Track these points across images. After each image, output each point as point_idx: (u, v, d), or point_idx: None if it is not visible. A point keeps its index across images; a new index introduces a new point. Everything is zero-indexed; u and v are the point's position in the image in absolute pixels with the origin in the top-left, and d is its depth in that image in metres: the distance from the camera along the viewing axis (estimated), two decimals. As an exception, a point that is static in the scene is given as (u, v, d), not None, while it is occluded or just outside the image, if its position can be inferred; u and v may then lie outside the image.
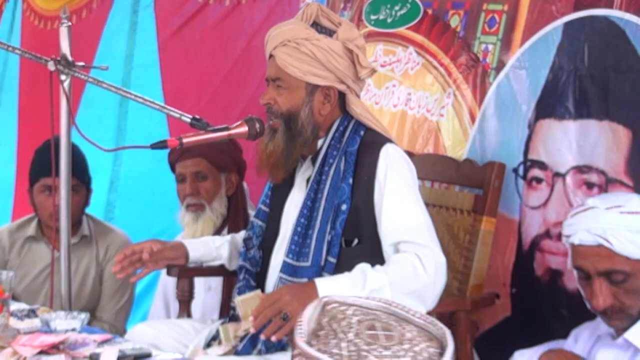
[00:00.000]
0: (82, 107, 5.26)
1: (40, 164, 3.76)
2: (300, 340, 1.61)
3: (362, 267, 2.57)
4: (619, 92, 2.95)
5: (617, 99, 2.96)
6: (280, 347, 2.61)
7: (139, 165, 4.91)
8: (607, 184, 2.96)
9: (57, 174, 3.04)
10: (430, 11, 3.64)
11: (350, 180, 2.70)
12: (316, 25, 2.80)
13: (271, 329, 2.46)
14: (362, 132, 2.78)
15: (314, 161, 2.80)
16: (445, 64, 3.52)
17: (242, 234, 3.03)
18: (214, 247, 3.00)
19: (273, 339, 2.46)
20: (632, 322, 2.42)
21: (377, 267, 2.58)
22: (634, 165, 2.89)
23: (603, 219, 2.44)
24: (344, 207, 2.68)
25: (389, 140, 2.78)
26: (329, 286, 2.51)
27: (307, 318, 1.66)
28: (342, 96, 2.81)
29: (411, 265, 2.56)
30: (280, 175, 2.80)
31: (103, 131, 4.97)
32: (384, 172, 2.69)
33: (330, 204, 2.69)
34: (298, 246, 2.69)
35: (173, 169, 3.72)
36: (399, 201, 2.67)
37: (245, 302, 2.65)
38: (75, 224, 3.77)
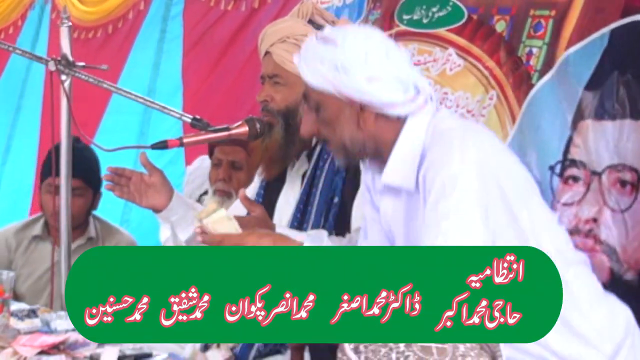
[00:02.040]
0: (108, 114, 5.38)
1: (49, 163, 3.82)
2: (348, 348, 1.60)
3: (320, 234, 2.60)
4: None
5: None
6: (276, 350, 2.64)
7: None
8: (639, 182, 3.04)
9: (57, 174, 3.07)
10: (475, 16, 3.73)
11: (344, 174, 2.75)
12: (311, 23, 2.83)
13: None
14: None
15: (309, 157, 2.84)
16: (490, 67, 3.63)
17: None
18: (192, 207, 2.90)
19: None
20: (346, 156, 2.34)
21: (333, 237, 2.64)
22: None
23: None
24: (335, 199, 2.74)
25: None
26: None
27: None
28: None
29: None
30: (276, 170, 2.86)
31: (127, 136, 5.10)
32: None
33: (324, 198, 2.75)
34: None
35: (211, 154, 3.75)
36: None
37: (216, 222, 2.45)
38: (81, 226, 3.82)
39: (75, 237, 3.53)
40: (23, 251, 3.93)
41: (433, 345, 1.62)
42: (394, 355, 1.58)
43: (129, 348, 2.47)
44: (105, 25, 5.79)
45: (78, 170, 3.61)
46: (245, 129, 2.74)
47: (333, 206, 2.75)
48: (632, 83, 3.10)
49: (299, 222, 2.78)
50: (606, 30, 3.21)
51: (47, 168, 3.86)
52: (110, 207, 4.12)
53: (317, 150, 2.83)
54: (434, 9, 3.87)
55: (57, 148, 3.86)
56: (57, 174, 3.06)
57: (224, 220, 2.42)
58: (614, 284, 2.77)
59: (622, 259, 3.05)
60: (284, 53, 2.78)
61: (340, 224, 2.75)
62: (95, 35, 5.82)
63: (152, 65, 5.36)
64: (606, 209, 3.10)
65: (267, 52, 2.84)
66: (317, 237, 2.60)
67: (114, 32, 5.72)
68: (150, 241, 4.10)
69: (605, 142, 3.14)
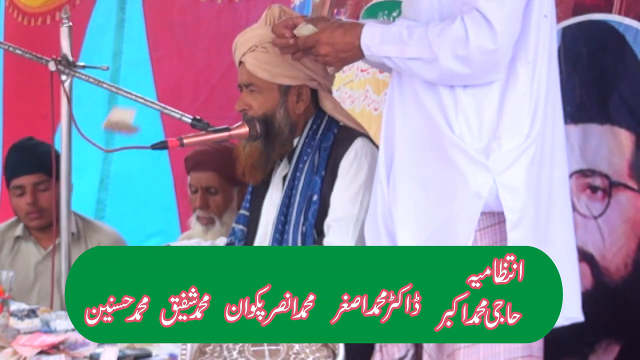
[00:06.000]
0: (67, 106, 5.36)
1: (11, 165, 3.95)
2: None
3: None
4: (619, 96, 3.06)
5: (617, 103, 3.07)
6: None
7: (131, 163, 5.03)
8: (610, 188, 3.07)
9: (58, 177, 3.16)
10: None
11: (323, 173, 2.90)
12: None
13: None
14: (335, 130, 2.98)
15: (290, 160, 2.99)
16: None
17: None
18: None
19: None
20: None
21: None
22: (638, 168, 3.00)
23: None
24: (314, 197, 2.89)
25: (362, 135, 2.97)
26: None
27: None
28: (314, 93, 3.00)
29: None
30: (259, 175, 3.00)
31: (92, 129, 5.06)
32: (348, 163, 2.88)
33: (304, 197, 2.90)
34: (277, 242, 2.90)
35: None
36: (344, 189, 2.86)
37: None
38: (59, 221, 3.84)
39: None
40: (8, 252, 3.99)
41: (266, 347, 1.74)
42: None
43: (129, 348, 2.55)
44: (52, 11, 5.77)
45: (36, 166, 3.75)
46: (245, 129, 2.87)
47: (312, 204, 2.90)
48: (591, 86, 3.14)
49: (282, 222, 2.93)
50: (557, 28, 3.13)
51: (9, 171, 3.96)
52: (82, 205, 4.16)
53: (297, 153, 2.97)
54: (394, 14, 3.93)
55: (11, 150, 3.98)
56: (58, 177, 3.11)
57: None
58: (597, 291, 2.84)
59: (601, 266, 3.08)
60: (255, 62, 2.92)
61: (320, 221, 2.89)
62: (44, 22, 5.82)
63: (113, 55, 5.35)
64: (576, 215, 3.08)
65: (240, 62, 2.98)
66: None
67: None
68: (127, 237, 4.16)
69: (569, 146, 3.11)
